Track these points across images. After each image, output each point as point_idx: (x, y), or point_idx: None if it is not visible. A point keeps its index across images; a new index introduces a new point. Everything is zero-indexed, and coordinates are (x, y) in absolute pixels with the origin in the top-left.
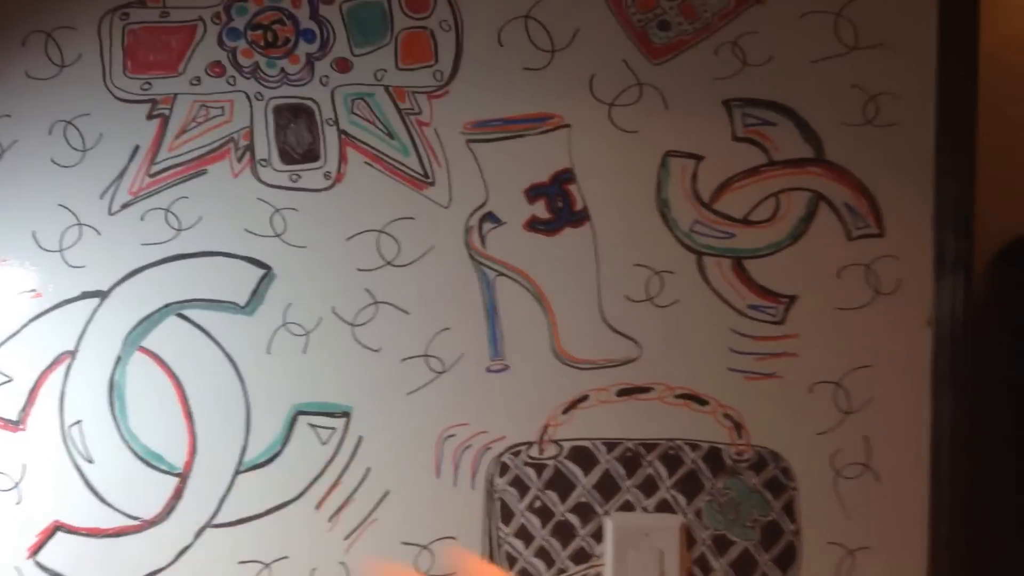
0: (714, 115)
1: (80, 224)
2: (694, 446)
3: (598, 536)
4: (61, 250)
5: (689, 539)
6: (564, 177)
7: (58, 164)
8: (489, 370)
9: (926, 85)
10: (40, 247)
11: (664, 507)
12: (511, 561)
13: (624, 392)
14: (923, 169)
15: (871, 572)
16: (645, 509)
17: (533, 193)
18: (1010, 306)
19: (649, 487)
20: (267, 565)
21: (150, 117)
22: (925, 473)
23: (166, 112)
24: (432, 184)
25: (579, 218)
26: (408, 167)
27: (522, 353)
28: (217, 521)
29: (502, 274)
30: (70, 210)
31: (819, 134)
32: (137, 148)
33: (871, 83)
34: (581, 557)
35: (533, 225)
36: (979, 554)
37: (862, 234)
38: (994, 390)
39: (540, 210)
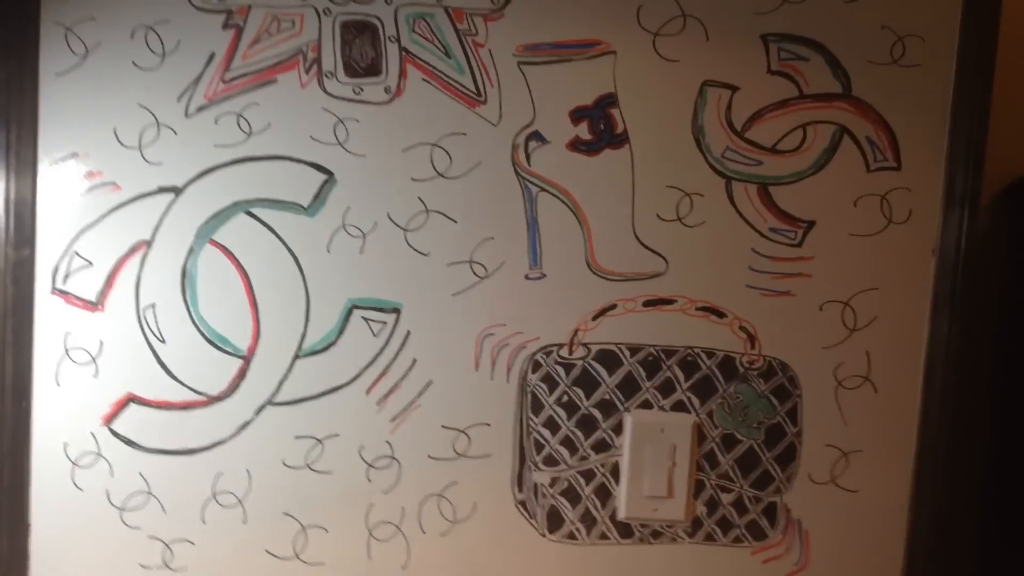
0: (751, 48)
1: (158, 124)
2: (710, 354)
3: (618, 430)
4: (140, 147)
5: (700, 436)
6: (607, 101)
7: (139, 67)
8: (527, 277)
9: (950, 30)
10: (120, 143)
11: (679, 407)
12: (539, 447)
13: (649, 303)
14: (941, 109)
15: (862, 472)
16: (662, 408)
17: (577, 115)
18: (1009, 240)
19: (667, 389)
20: (320, 441)
21: (225, 27)
22: (918, 386)
23: (240, 23)
24: (484, 103)
25: (619, 140)
26: (462, 85)
27: (558, 263)
28: (276, 400)
29: (544, 190)
30: (149, 110)
31: (848, 71)
32: (213, 55)
33: (900, 25)
34: (602, 447)
35: (575, 145)
36: (962, 460)
37: (880, 167)
38: (986, 314)
39: (583, 131)
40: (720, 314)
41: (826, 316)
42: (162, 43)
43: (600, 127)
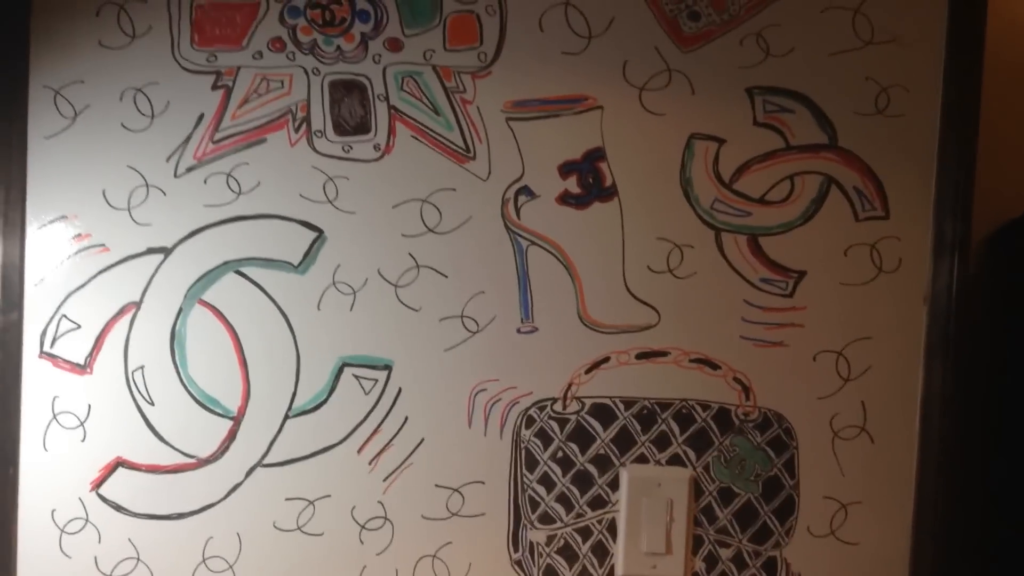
0: (737, 101)
1: (147, 185)
2: (705, 406)
3: (614, 485)
4: (129, 208)
5: (697, 490)
6: (595, 155)
7: (128, 128)
8: (519, 331)
9: (934, 79)
10: (109, 205)
11: (676, 461)
12: (534, 505)
13: (643, 355)
14: (927, 157)
15: (861, 524)
16: (658, 462)
17: (566, 169)
18: (998, 285)
19: (662, 442)
20: (311, 503)
21: (215, 87)
22: (915, 435)
23: (229, 83)
24: (473, 158)
25: (608, 193)
26: (451, 142)
27: (550, 316)
28: (267, 461)
29: (534, 243)
30: (138, 171)
31: (833, 122)
32: (202, 116)
33: (883, 76)
34: (598, 503)
35: (565, 199)
36: (961, 510)
37: (869, 216)
38: (979, 361)
39: (572, 185)
40: (714, 366)
41: (820, 366)
42: (151, 105)
43: (589, 180)
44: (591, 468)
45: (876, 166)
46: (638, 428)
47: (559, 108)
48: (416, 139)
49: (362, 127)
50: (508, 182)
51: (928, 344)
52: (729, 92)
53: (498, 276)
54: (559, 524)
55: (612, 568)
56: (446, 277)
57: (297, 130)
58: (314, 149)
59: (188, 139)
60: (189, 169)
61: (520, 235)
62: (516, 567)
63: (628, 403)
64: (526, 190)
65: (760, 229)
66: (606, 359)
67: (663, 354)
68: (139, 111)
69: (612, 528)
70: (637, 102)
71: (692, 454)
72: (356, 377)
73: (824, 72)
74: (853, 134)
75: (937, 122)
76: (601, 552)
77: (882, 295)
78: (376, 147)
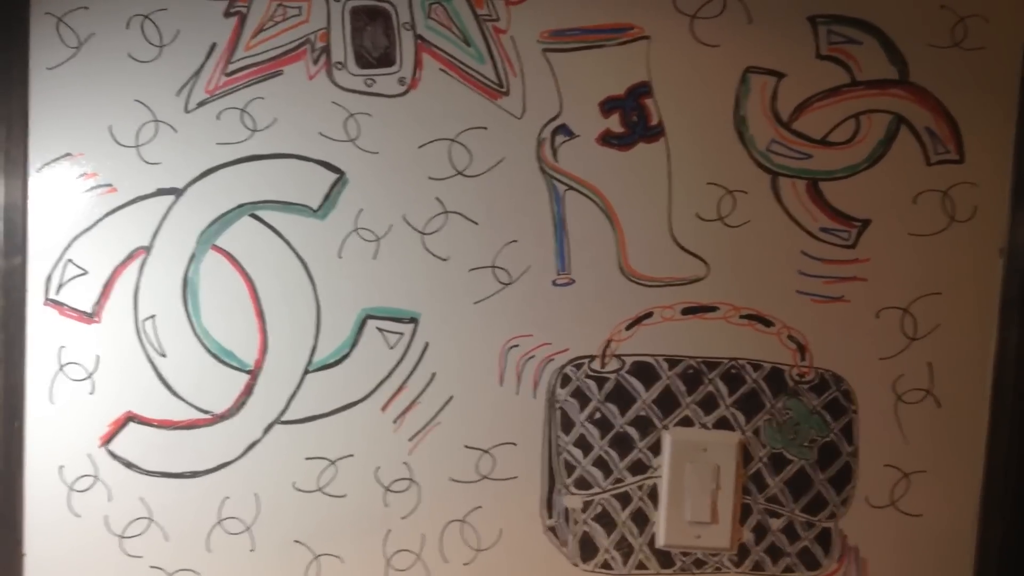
0: (799, 31)
1: (156, 120)
2: (756, 366)
3: (656, 449)
4: (137, 146)
5: (746, 456)
6: (641, 91)
7: (135, 59)
8: (555, 283)
9: (1017, 8)
10: (116, 142)
11: (723, 424)
12: (569, 469)
13: (689, 310)
14: (1008, 95)
15: (925, 495)
16: (704, 425)
17: (608, 106)
18: None
19: (709, 404)
20: (333, 462)
21: (227, 14)
22: (986, 401)
23: (243, 10)
24: (506, 94)
25: (654, 133)
26: (483, 75)
27: (588, 268)
28: (286, 418)
29: (572, 188)
30: (147, 106)
31: (905, 55)
32: (214, 46)
33: (961, 4)
34: (638, 468)
35: (606, 139)
36: None
37: (941, 159)
38: None
39: (614, 124)
40: (767, 322)
41: (883, 324)
42: (160, 33)
43: (633, 119)
44: (631, 431)
45: (951, 104)
46: (683, 389)
47: (601, 38)
48: (444, 72)
49: (386, 59)
50: (544, 120)
51: (1004, 301)
52: (790, 21)
53: (532, 223)
54: (596, 489)
55: (653, 537)
56: (476, 224)
57: (316, 62)
58: (334, 83)
59: (199, 71)
60: (200, 104)
61: (557, 179)
62: (550, 533)
63: (672, 362)
64: (564, 129)
65: (821, 173)
66: (649, 314)
67: (711, 309)
68: (147, 40)
69: (653, 495)
70: (688, 32)
71: (741, 417)
72: (380, 330)
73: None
74: (926, 69)
75: (1020, 56)
76: (641, 520)
77: (954, 247)
78: (401, 81)
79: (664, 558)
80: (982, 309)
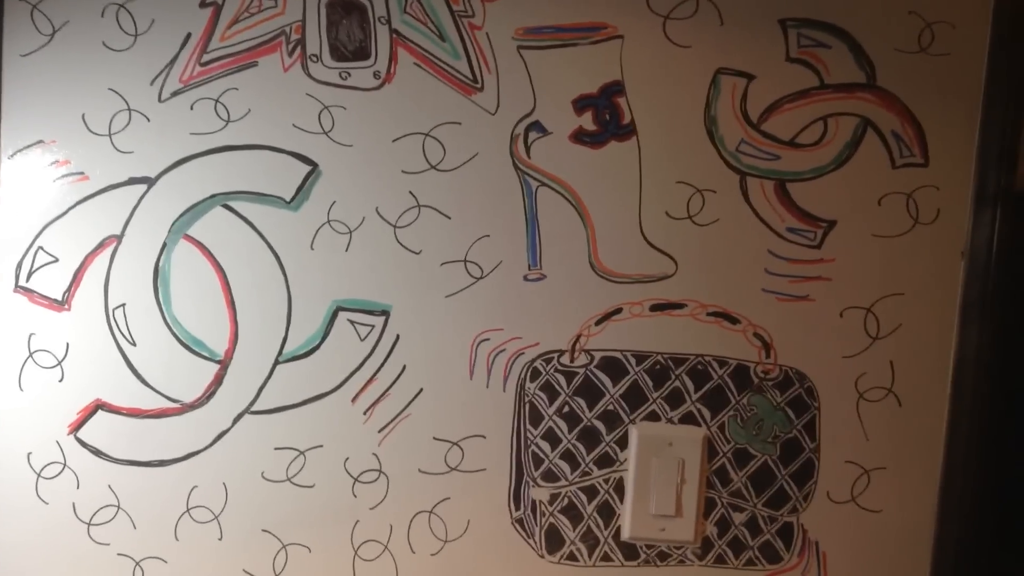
0: (769, 34)
1: (130, 109)
2: (722, 362)
3: (622, 443)
4: (110, 134)
5: (711, 450)
6: (613, 89)
7: (109, 48)
8: (526, 278)
9: (982, 15)
10: (89, 130)
11: (689, 419)
12: (537, 462)
13: (657, 307)
14: (972, 100)
15: (885, 491)
16: (670, 420)
17: (581, 104)
18: None
19: (675, 399)
20: (302, 452)
21: (203, 5)
22: (946, 399)
23: (219, 1)
24: (480, 89)
25: (625, 132)
26: (458, 71)
27: (559, 263)
28: (255, 408)
29: (544, 184)
30: (120, 95)
31: (872, 59)
32: (189, 36)
33: (929, 11)
34: (605, 462)
35: (579, 137)
36: (990, 480)
37: (906, 163)
38: (1019, 322)
39: (587, 122)
40: (733, 320)
41: (847, 323)
42: (134, 22)
43: (605, 117)
44: (599, 424)
45: (917, 109)
46: (650, 384)
47: (575, 37)
48: (419, 67)
49: (361, 52)
50: (518, 117)
51: (964, 302)
52: (761, 23)
53: (505, 218)
54: (563, 482)
55: (618, 530)
56: (449, 218)
57: (291, 54)
58: (309, 75)
59: (174, 60)
60: (174, 93)
61: (529, 175)
62: (517, 525)
63: (640, 357)
64: (537, 126)
65: (789, 174)
66: (618, 310)
67: (679, 306)
68: (122, 29)
69: (620, 488)
70: (661, 32)
71: (707, 413)
72: (351, 322)
73: (865, 5)
74: (893, 73)
75: (984, 62)
76: (607, 513)
77: (917, 248)
78: (376, 74)
79: (629, 550)
80: (943, 310)
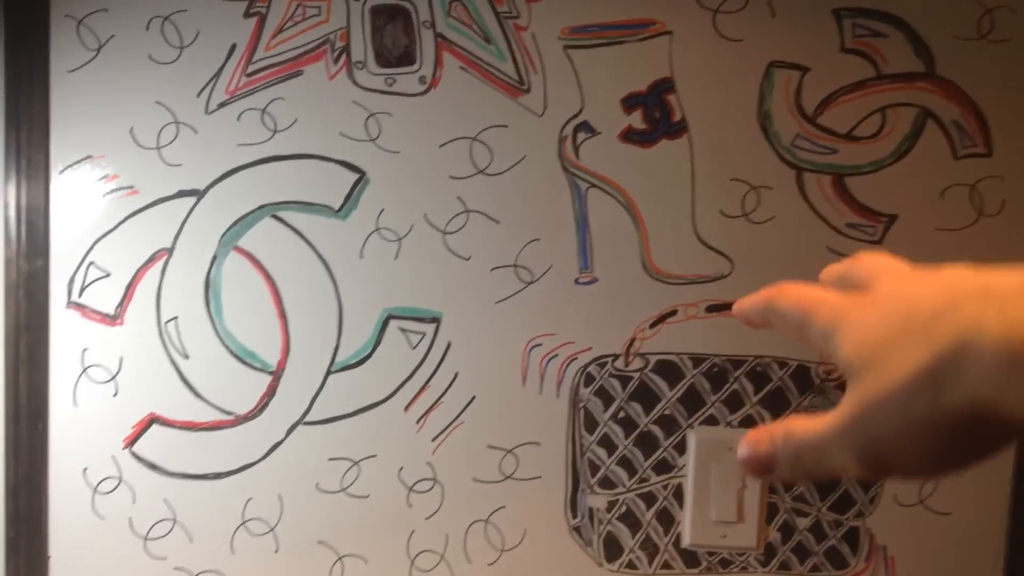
0: (823, 25)
1: (177, 122)
2: (782, 364)
3: (681, 448)
4: (158, 148)
5: None
6: (663, 87)
7: (155, 60)
8: (577, 282)
9: None
10: (137, 144)
11: (749, 423)
12: (594, 469)
13: (713, 308)
14: None
15: (954, 492)
16: (729, 424)
17: (630, 103)
18: None
19: (734, 403)
20: (356, 463)
21: (247, 15)
22: None
23: (263, 10)
24: (527, 91)
25: (676, 129)
26: (504, 73)
27: (611, 266)
28: (308, 419)
29: (594, 185)
30: (167, 108)
31: (931, 48)
32: (234, 47)
33: None
34: (663, 468)
35: (628, 136)
36: None
37: (969, 153)
38: None
39: (636, 120)
40: None
41: None
42: (180, 35)
43: (655, 115)
44: (656, 430)
45: (978, 97)
46: (708, 387)
47: (623, 34)
48: (465, 70)
49: (406, 58)
50: (566, 118)
51: None
52: (814, 14)
53: (554, 222)
54: (621, 489)
55: (679, 537)
56: (498, 223)
57: (336, 61)
58: (354, 82)
59: (220, 72)
60: (221, 105)
61: (579, 176)
62: (574, 533)
63: (697, 360)
64: (585, 126)
65: (847, 168)
66: (673, 312)
67: None
68: (167, 41)
69: (679, 494)
70: (711, 26)
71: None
72: (402, 330)
73: None
74: (953, 62)
75: None
76: (667, 520)
77: (983, 241)
78: (422, 80)
79: (690, 557)
80: None
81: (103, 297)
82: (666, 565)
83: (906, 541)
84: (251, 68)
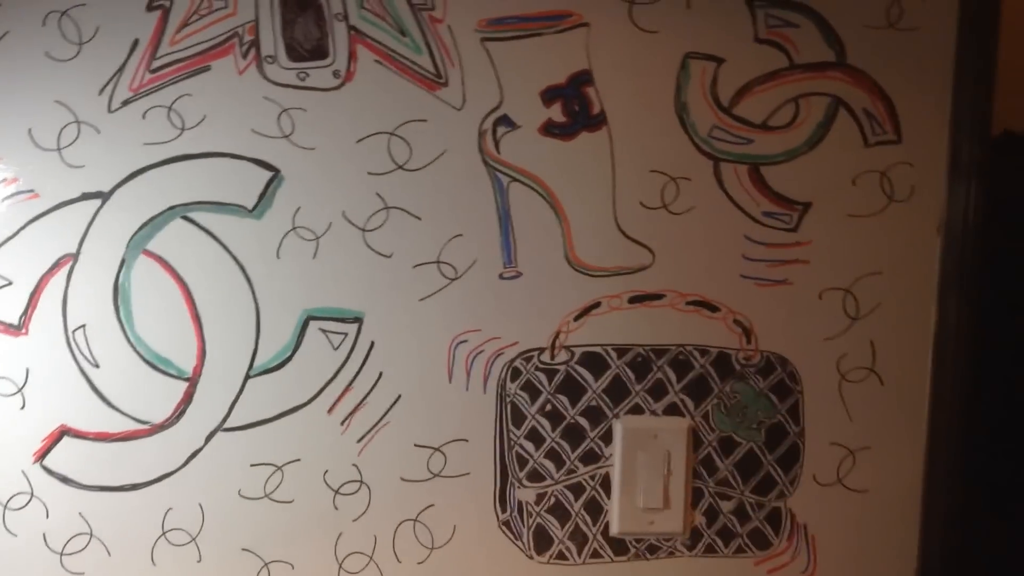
0: (737, 15)
1: (79, 122)
2: (703, 351)
3: (607, 438)
4: (59, 149)
5: (696, 440)
6: (582, 79)
7: (53, 58)
8: (502, 277)
9: None
10: (37, 145)
11: (673, 410)
12: (522, 462)
13: (636, 299)
14: (943, 74)
15: (870, 470)
16: (654, 412)
17: (549, 95)
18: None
19: (658, 391)
20: (279, 468)
21: (150, 8)
22: (927, 376)
23: (166, 3)
24: (445, 85)
25: (596, 122)
26: (420, 66)
27: (535, 260)
28: (228, 425)
29: (516, 180)
30: (67, 107)
31: (842, 37)
32: (137, 42)
33: None
34: (590, 458)
35: (548, 129)
36: (974, 454)
37: (879, 140)
38: (998, 295)
39: (556, 113)
40: (713, 308)
41: (826, 305)
42: (79, 30)
43: (575, 108)
44: (582, 421)
45: (887, 85)
46: (632, 377)
47: (540, 26)
48: (380, 64)
49: (319, 51)
50: (485, 111)
51: (942, 278)
52: (728, 5)
53: (477, 217)
54: (549, 481)
55: (607, 525)
56: (419, 219)
57: (245, 56)
58: (265, 77)
59: (122, 68)
60: (125, 103)
61: (500, 170)
62: (504, 528)
63: (621, 351)
64: (505, 120)
65: (762, 158)
66: (596, 304)
67: (658, 297)
68: (65, 37)
69: (606, 484)
70: (627, 18)
71: (690, 403)
72: (323, 331)
73: None
74: (863, 50)
75: (954, 35)
76: (595, 509)
77: (893, 226)
78: (335, 74)
79: (618, 546)
80: (921, 287)
81: (6, 306)
82: (595, 554)
83: (826, 520)
84: (155, 64)
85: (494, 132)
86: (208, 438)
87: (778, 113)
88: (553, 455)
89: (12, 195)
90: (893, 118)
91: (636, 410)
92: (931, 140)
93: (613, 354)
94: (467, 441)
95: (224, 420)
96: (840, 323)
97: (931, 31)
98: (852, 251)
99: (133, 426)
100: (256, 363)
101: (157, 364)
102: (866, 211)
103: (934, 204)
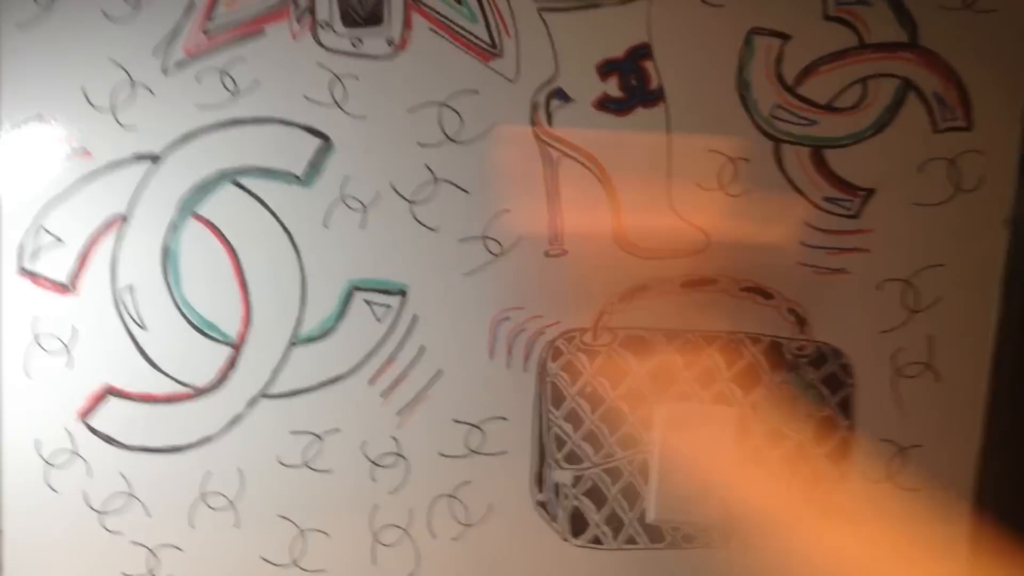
0: None
1: (132, 82)
2: (755, 339)
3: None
4: (112, 108)
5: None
6: (640, 52)
7: (109, 17)
8: (548, 254)
9: None
10: (91, 104)
11: (719, 399)
12: (560, 443)
13: (687, 283)
14: (1020, 60)
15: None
16: (700, 400)
17: (606, 69)
18: None
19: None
20: (319, 436)
21: None
22: (986, 375)
23: None
24: (499, 56)
25: (653, 98)
26: (475, 36)
27: (582, 239)
28: (270, 392)
29: (567, 155)
30: (122, 67)
31: (915, 17)
32: (192, 4)
33: None
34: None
35: (603, 104)
36: None
37: (949, 127)
38: None
39: (612, 88)
40: (767, 295)
41: (885, 296)
42: None
43: (632, 83)
44: (623, 404)
45: (961, 69)
46: (679, 362)
47: None
48: (435, 32)
49: (374, 17)
50: (539, 84)
51: (1007, 273)
52: None
53: (525, 192)
54: (587, 464)
55: (643, 512)
56: (467, 192)
57: (300, 21)
58: (319, 43)
59: (177, 30)
60: (179, 64)
61: (551, 145)
62: (540, 508)
63: (668, 335)
64: (559, 93)
65: (825, 140)
66: (644, 286)
67: (710, 282)
68: None
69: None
70: None
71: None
72: (367, 303)
73: None
74: (936, 32)
75: None
76: (632, 495)
77: (959, 217)
78: (389, 41)
79: (654, 533)
80: (985, 282)
81: (56, 264)
82: (631, 540)
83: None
84: (210, 27)
85: (547, 106)
86: (250, 404)
87: (844, 94)
88: (592, 438)
89: (64, 153)
90: (965, 104)
91: (681, 396)
92: (1004, 129)
93: (659, 338)
94: (506, 419)
95: (266, 387)
96: (898, 316)
97: (1010, 14)
98: (915, 241)
99: (177, 389)
100: (300, 332)
101: (203, 328)
102: (931, 200)
103: (1003, 196)
